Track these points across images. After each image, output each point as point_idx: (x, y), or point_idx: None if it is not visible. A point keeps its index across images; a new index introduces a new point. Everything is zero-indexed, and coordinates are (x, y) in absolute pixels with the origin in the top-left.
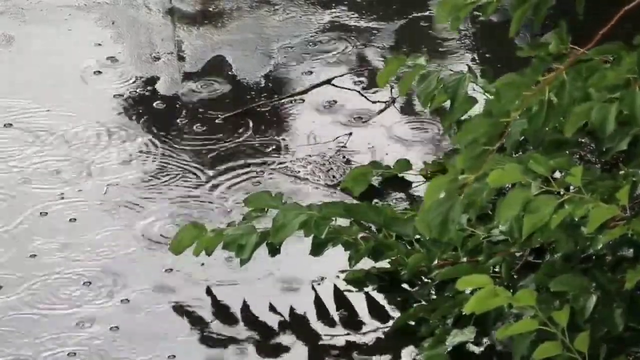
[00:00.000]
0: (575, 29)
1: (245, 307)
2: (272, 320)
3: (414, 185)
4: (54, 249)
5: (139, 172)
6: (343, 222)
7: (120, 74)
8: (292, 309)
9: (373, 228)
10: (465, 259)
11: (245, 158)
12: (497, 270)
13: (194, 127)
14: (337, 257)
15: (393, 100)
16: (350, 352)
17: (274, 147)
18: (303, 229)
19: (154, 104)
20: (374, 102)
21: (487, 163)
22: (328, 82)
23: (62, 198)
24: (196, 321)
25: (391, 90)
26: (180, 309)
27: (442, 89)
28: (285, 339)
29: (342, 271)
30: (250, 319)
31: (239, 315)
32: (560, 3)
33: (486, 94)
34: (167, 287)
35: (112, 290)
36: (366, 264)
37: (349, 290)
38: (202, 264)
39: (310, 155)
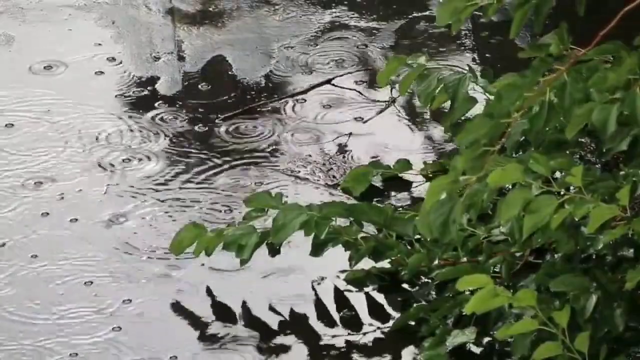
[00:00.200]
0: (576, 30)
1: (245, 307)
2: (272, 320)
3: (414, 185)
4: (54, 249)
5: (138, 172)
6: (343, 222)
7: (121, 74)
8: (292, 309)
9: (373, 228)
10: (465, 259)
11: (245, 158)
12: (497, 270)
13: (194, 127)
14: (337, 257)
15: (393, 100)
16: (350, 352)
17: (274, 147)
18: (303, 229)
19: (154, 104)
20: (374, 102)
21: (488, 164)
22: (328, 82)
23: (62, 198)
24: (196, 321)
25: (391, 90)
26: (180, 309)
27: (442, 89)
28: (285, 339)
29: (342, 271)
30: (250, 319)
31: (239, 315)
32: (560, 3)
33: (486, 94)
34: (168, 288)
35: (112, 291)
36: (366, 264)
37: (349, 290)
38: (202, 264)
39: (310, 155)
